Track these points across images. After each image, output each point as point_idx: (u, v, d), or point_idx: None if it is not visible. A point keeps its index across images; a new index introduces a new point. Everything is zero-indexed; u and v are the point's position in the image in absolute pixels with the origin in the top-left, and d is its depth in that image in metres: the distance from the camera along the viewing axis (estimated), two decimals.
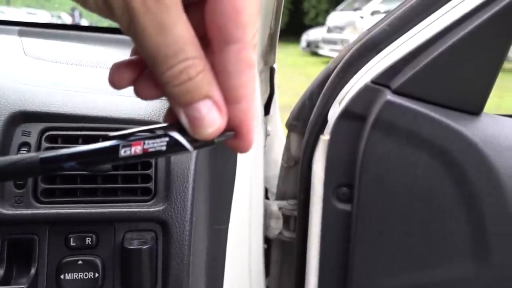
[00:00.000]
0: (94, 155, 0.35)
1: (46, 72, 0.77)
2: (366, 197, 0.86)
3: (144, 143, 0.35)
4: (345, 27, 10.49)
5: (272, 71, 1.07)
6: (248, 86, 0.35)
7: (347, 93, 0.88)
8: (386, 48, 0.86)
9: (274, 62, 1.06)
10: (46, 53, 0.85)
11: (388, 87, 0.84)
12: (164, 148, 0.35)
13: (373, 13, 9.83)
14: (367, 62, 0.88)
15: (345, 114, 0.88)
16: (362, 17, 10.14)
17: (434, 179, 0.81)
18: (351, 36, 9.46)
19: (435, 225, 0.83)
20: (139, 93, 0.38)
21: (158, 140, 0.35)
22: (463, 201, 0.81)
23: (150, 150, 0.35)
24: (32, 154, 0.37)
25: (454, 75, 0.82)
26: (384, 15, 0.93)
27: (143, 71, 0.38)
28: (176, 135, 0.35)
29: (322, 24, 12.40)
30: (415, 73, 0.82)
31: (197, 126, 0.34)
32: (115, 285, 0.63)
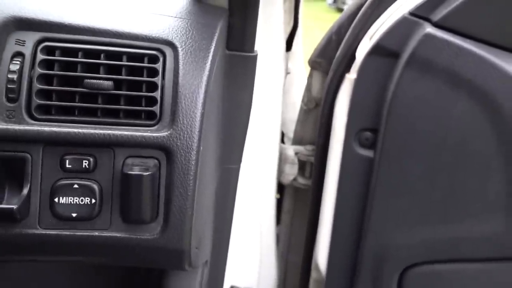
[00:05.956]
0: None
1: None
2: (391, 142, 0.79)
3: None
4: None
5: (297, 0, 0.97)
6: None
7: (380, 26, 0.79)
8: None
9: None
10: None
11: (429, 19, 0.74)
12: None
13: None
14: None
15: (376, 49, 0.79)
16: None
17: (472, 125, 0.73)
18: None
19: (467, 177, 0.76)
20: None
21: None
22: (503, 152, 0.73)
23: None
24: None
25: (507, 7, 0.71)
26: None
27: None
28: None
29: None
30: (461, 3, 0.72)
31: None
32: (113, 213, 0.58)
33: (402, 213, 0.83)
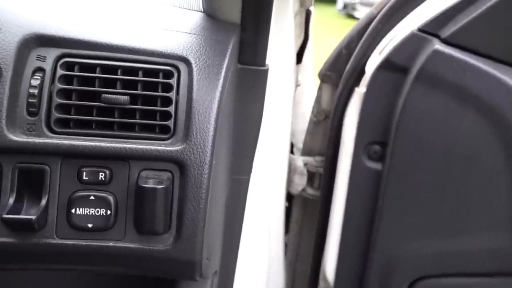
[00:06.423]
0: None
1: None
2: (400, 156, 0.80)
3: None
4: None
5: (308, 14, 0.99)
6: None
7: (389, 41, 0.80)
8: None
9: (311, 5, 0.98)
10: None
11: (437, 36, 0.75)
12: None
13: None
14: (415, 7, 0.79)
15: (386, 64, 0.80)
16: None
17: (479, 140, 0.74)
18: None
19: (474, 190, 0.77)
20: None
21: None
22: (510, 166, 0.74)
23: None
24: None
25: None
26: None
27: None
28: None
29: None
30: (470, 21, 0.73)
31: None
32: (128, 224, 0.60)
33: (410, 225, 0.84)
